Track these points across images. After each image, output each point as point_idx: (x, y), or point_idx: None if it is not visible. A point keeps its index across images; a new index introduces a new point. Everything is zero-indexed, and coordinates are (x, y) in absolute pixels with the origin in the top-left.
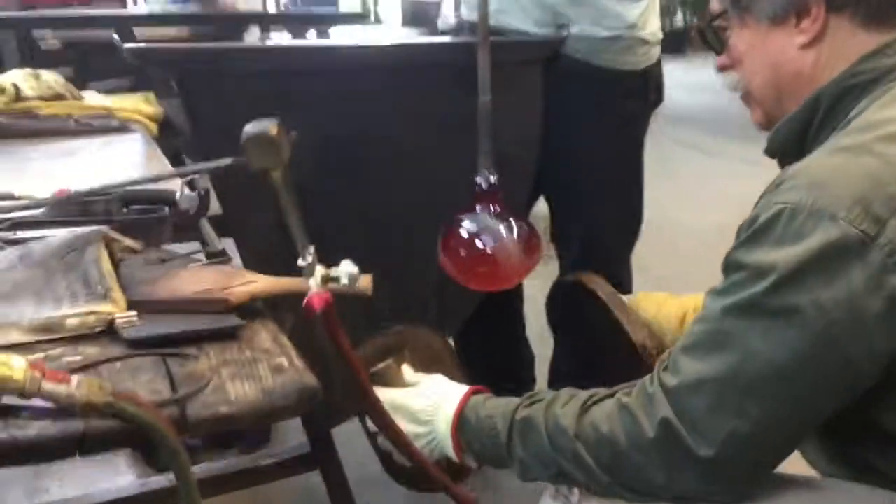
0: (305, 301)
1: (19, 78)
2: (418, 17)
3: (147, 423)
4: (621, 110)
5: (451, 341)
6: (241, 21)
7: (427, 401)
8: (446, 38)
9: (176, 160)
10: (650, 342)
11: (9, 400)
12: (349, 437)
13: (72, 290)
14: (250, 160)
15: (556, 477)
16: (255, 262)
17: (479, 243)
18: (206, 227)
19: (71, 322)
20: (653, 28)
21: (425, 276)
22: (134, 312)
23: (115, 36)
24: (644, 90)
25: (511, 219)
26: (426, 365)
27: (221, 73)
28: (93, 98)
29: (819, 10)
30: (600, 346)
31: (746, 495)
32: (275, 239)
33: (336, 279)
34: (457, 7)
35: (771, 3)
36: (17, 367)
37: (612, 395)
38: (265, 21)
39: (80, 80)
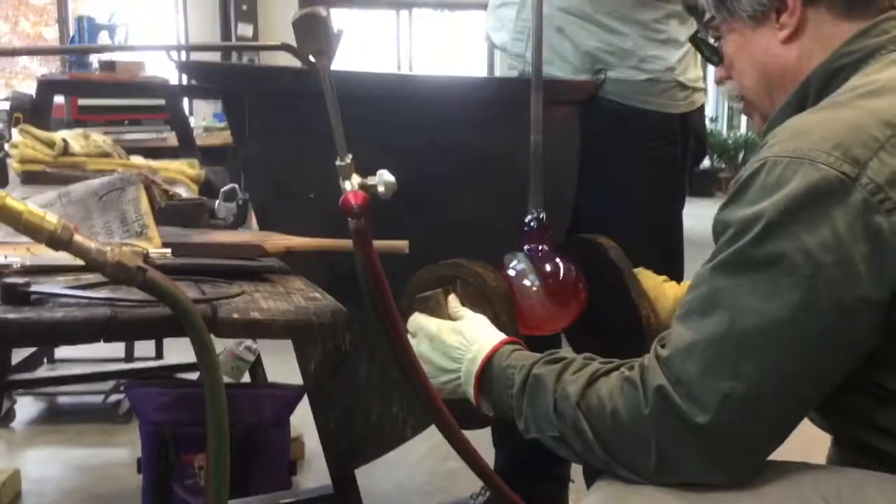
0: (342, 199)
1: (70, 135)
2: None
3: (176, 299)
4: (658, 154)
5: None
6: None
7: (461, 338)
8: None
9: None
10: (654, 317)
11: (47, 288)
12: (372, 479)
13: (108, 228)
14: (300, 44)
15: (556, 441)
16: None
17: (526, 282)
18: None
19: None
20: (693, 73)
21: None
22: (168, 250)
23: (171, 54)
24: (682, 135)
25: (559, 260)
26: (476, 302)
27: (264, 92)
28: (138, 160)
29: (795, 4)
30: (605, 311)
31: (746, 482)
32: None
33: (373, 187)
34: (488, 39)
35: (750, 3)
36: (51, 218)
37: (619, 368)
38: None
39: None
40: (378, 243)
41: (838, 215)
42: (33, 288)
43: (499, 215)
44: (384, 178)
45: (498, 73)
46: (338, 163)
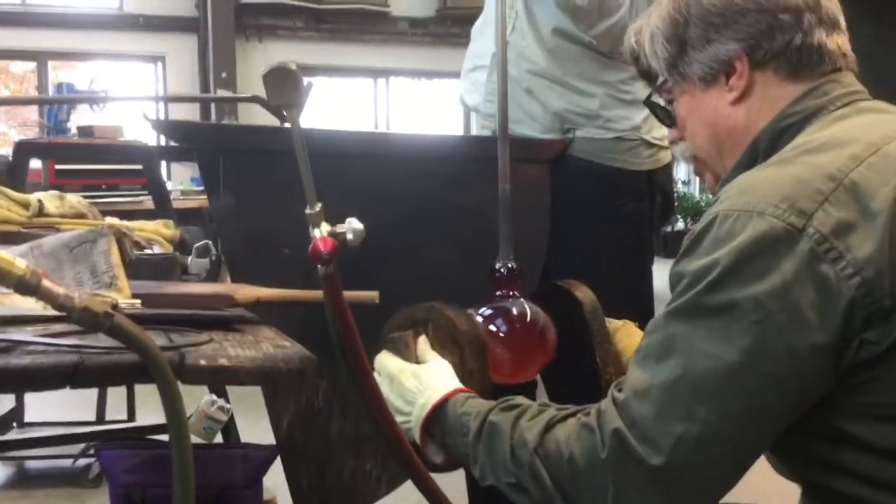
0: (311, 246)
1: (45, 196)
2: None
3: (143, 345)
4: (625, 210)
5: None
6: None
7: (417, 383)
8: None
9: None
10: (612, 368)
11: (14, 336)
12: None
13: (78, 279)
14: (270, 95)
15: (513, 488)
16: None
17: (492, 327)
18: None
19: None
20: (658, 132)
21: None
22: (138, 301)
23: (145, 113)
24: (648, 191)
25: (526, 307)
26: (446, 346)
27: (238, 150)
28: (114, 222)
29: (743, 67)
30: (566, 354)
31: None
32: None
33: (342, 234)
34: (462, 102)
35: (700, 65)
36: (20, 263)
37: (575, 414)
38: None
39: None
40: (349, 294)
41: (786, 264)
42: (1, 336)
43: (471, 271)
44: (353, 225)
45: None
46: (307, 211)
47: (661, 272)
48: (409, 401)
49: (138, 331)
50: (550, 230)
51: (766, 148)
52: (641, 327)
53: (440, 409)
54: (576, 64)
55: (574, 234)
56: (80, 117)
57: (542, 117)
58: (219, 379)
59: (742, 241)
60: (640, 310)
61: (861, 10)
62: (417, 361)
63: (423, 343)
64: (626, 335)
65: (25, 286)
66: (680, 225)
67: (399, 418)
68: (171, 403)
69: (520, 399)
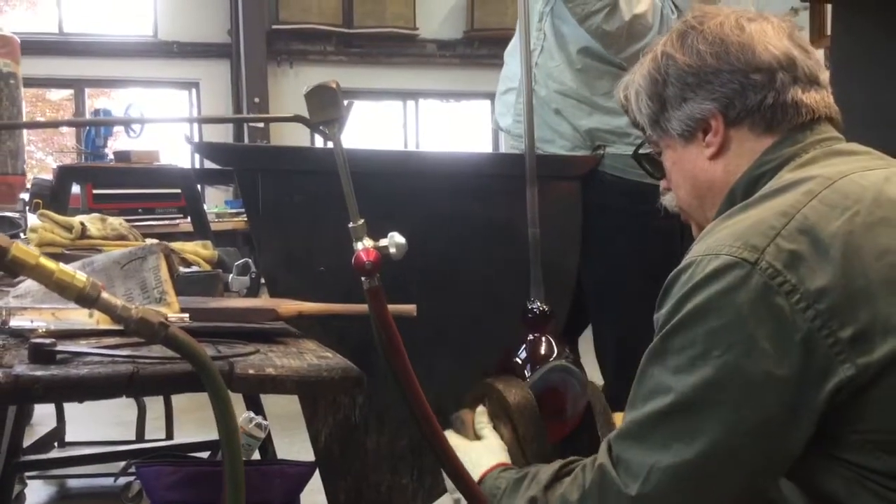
0: (354, 257)
1: (87, 219)
2: None
3: (196, 354)
4: (656, 225)
5: None
6: None
7: (469, 460)
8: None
9: None
10: None
11: (72, 348)
12: None
13: (129, 294)
14: (312, 113)
15: None
16: None
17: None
18: None
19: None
20: None
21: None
22: (186, 315)
23: (187, 136)
24: None
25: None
26: (499, 416)
27: (276, 170)
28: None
29: (718, 124)
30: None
31: None
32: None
33: (384, 248)
34: (496, 124)
35: (679, 123)
36: (80, 275)
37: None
38: None
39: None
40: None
41: (740, 297)
42: (59, 347)
43: (503, 282)
44: (395, 239)
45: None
46: (350, 225)
47: None
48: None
49: (191, 341)
50: (581, 243)
51: (742, 195)
52: None
53: (482, 483)
54: (605, 83)
55: (604, 249)
56: (116, 143)
57: (572, 136)
58: (266, 387)
59: (700, 280)
60: None
61: None
62: (476, 436)
63: (479, 417)
64: None
65: (86, 298)
66: None
67: (455, 494)
68: (223, 410)
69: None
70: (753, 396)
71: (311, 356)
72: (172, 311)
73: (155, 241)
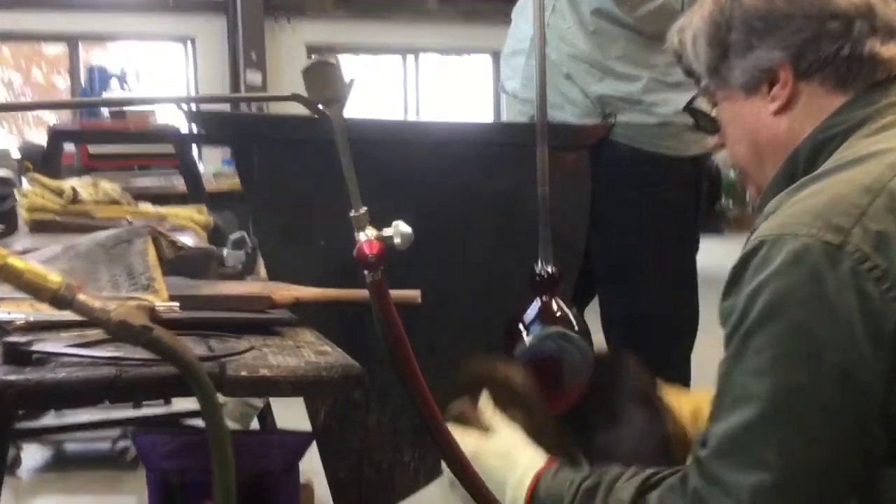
0: (357, 249)
1: (78, 183)
2: None
3: (182, 358)
4: (668, 197)
5: None
6: None
7: (503, 462)
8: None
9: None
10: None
11: (49, 347)
12: None
13: (114, 281)
14: (311, 92)
15: None
16: None
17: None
18: None
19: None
20: None
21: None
22: (176, 303)
23: (179, 104)
24: (695, 178)
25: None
26: (507, 405)
27: (272, 140)
28: (147, 207)
29: (787, 76)
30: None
31: None
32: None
33: (389, 238)
34: (502, 89)
35: (742, 72)
36: (53, 277)
37: (668, 477)
38: None
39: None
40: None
41: (828, 287)
42: (35, 347)
43: (509, 256)
44: (400, 228)
45: (504, 115)
46: (352, 214)
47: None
48: (500, 481)
49: (177, 344)
50: (590, 215)
51: (807, 160)
52: (686, 322)
53: (536, 488)
54: (619, 47)
55: (614, 220)
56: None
57: (582, 102)
58: (260, 390)
59: (777, 266)
60: (684, 303)
61: None
62: (486, 429)
63: (485, 408)
64: (675, 394)
65: (60, 301)
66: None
67: (499, 491)
68: (212, 418)
69: (610, 467)
70: (850, 397)
71: (309, 351)
72: (161, 300)
73: (143, 223)
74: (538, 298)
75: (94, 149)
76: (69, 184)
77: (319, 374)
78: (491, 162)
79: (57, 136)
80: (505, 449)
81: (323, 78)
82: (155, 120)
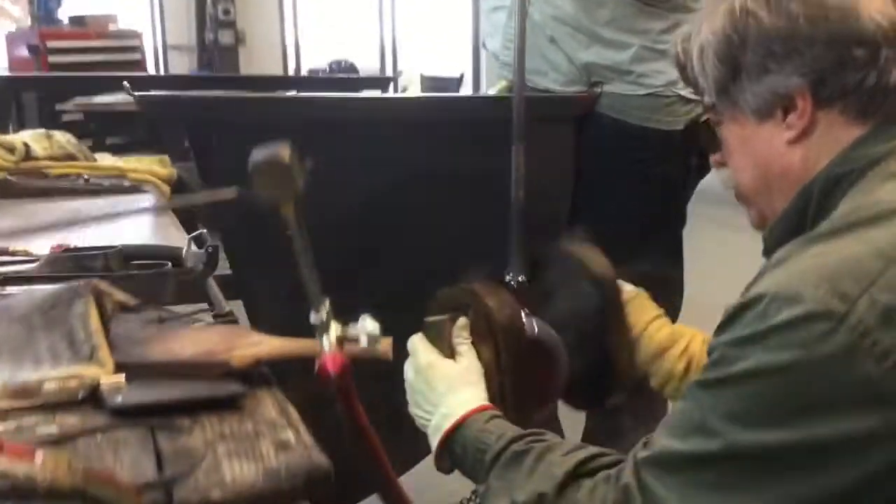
0: (319, 364)
1: (31, 137)
2: (439, 92)
3: None
4: (656, 172)
5: None
6: (270, 86)
7: (444, 387)
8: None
9: (187, 223)
10: (626, 355)
11: None
12: None
13: (54, 350)
14: (259, 189)
15: None
16: (264, 329)
17: None
18: (213, 288)
19: (49, 387)
20: None
21: None
22: (122, 376)
23: (126, 84)
24: (684, 152)
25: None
26: (482, 333)
27: (233, 124)
28: (105, 160)
29: (806, 104)
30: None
31: None
32: (287, 305)
33: (354, 339)
34: (483, 46)
35: (755, 97)
36: None
37: (608, 466)
38: (294, 86)
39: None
40: (358, 350)
41: (822, 357)
42: None
43: (484, 237)
44: (367, 327)
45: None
46: (312, 319)
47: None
48: (433, 402)
49: (116, 496)
50: (573, 190)
51: (820, 197)
52: (669, 301)
53: (461, 426)
54: (607, 11)
55: (598, 196)
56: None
57: (567, 69)
58: None
59: (775, 325)
60: (669, 282)
61: None
62: (451, 351)
63: (459, 331)
64: (637, 309)
65: None
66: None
67: (416, 411)
68: None
69: (546, 434)
70: (819, 469)
71: (269, 446)
72: (106, 373)
73: (82, 281)
74: None
75: (53, 58)
76: (21, 140)
77: (280, 485)
78: (465, 138)
79: (8, 85)
80: (454, 375)
81: (274, 174)
82: (116, 24)
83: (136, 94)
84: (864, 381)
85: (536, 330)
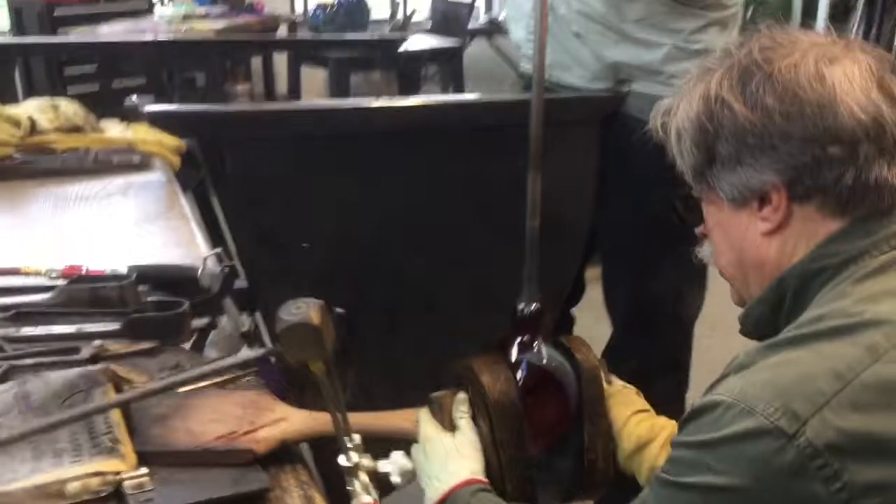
0: None
1: (36, 109)
2: (449, 19)
3: None
4: (682, 177)
5: None
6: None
7: (440, 462)
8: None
9: (197, 193)
10: (599, 445)
11: None
12: None
13: (75, 441)
14: (288, 352)
15: None
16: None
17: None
18: (229, 305)
19: (72, 487)
20: None
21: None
22: (145, 470)
23: (134, 98)
24: None
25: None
26: (480, 410)
27: (246, 139)
28: (113, 129)
29: (781, 199)
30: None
31: None
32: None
33: (385, 476)
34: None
35: (731, 187)
36: None
37: None
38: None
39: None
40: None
41: (768, 473)
42: None
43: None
44: (399, 463)
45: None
46: (342, 461)
47: None
48: (429, 474)
49: None
50: (598, 192)
51: (796, 290)
52: (693, 302)
53: (450, 496)
54: (638, 8)
55: (624, 198)
56: None
57: (593, 65)
58: None
59: (725, 436)
60: (693, 280)
61: None
62: (451, 425)
63: (459, 406)
64: (620, 403)
65: None
66: None
67: (421, 483)
68: None
69: None
70: None
71: None
72: (128, 466)
73: (99, 366)
74: (518, 337)
75: (60, 10)
76: (26, 112)
77: None
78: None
79: (9, 53)
80: (448, 449)
81: (303, 337)
82: None
83: (147, 109)
84: (810, 502)
85: (545, 359)
